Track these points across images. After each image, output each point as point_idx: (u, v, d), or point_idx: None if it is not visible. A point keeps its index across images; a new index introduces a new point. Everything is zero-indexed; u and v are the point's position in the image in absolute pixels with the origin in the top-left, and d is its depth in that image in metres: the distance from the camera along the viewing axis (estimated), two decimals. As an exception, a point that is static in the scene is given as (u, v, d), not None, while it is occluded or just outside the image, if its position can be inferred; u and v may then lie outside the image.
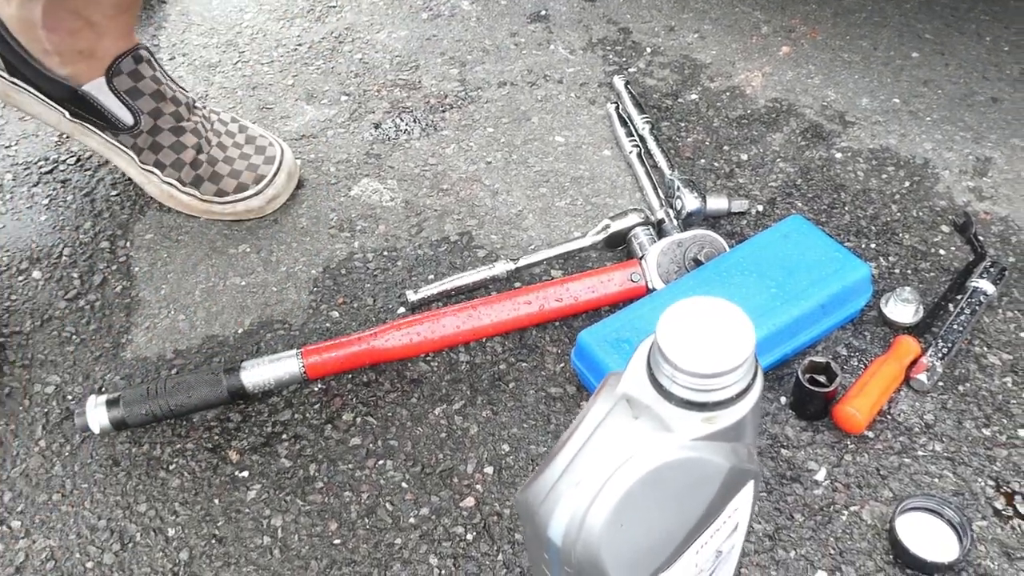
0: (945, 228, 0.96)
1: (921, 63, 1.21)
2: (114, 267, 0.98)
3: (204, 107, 1.03)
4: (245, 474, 0.77)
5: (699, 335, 0.40)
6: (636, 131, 1.08)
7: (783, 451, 0.77)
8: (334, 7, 1.39)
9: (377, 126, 1.15)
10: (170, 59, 1.30)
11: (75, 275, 0.97)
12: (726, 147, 1.09)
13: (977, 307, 0.84)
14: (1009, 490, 0.73)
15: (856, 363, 0.83)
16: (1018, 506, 0.72)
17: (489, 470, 0.76)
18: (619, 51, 1.27)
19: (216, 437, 0.80)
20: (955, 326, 0.82)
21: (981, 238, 0.94)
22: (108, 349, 0.89)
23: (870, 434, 0.77)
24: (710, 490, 0.42)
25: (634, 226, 0.93)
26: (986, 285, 0.86)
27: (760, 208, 1.00)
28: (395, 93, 1.21)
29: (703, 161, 1.06)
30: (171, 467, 0.78)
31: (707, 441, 0.41)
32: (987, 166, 1.04)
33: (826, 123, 1.12)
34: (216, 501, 0.75)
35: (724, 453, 0.42)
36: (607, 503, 0.39)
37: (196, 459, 0.78)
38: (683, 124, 1.12)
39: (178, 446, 0.79)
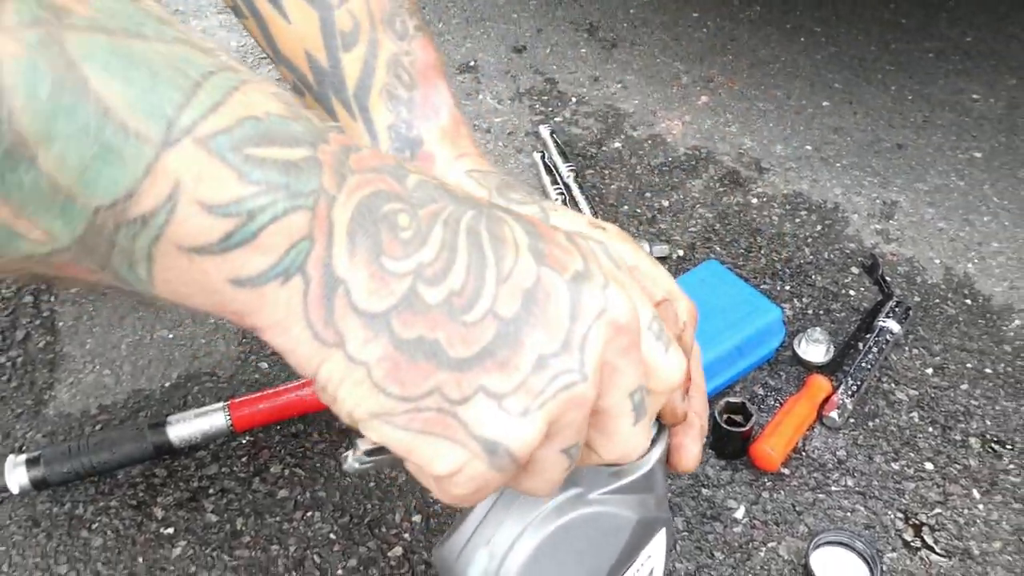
0: (855, 269, 1.01)
1: (831, 111, 1.28)
2: (37, 322, 0.96)
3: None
4: (170, 530, 0.76)
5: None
6: (561, 179, 1.11)
7: (704, 490, 0.79)
8: (265, 59, 1.41)
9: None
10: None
11: (-4, 331, 0.95)
12: (648, 194, 1.12)
13: (884, 345, 0.89)
14: (917, 522, 0.77)
15: (772, 402, 0.86)
16: (926, 537, 0.75)
17: (417, 518, 0.77)
18: (545, 101, 1.31)
19: (141, 494, 0.79)
20: (864, 364, 0.86)
21: (888, 279, 0.98)
22: (30, 406, 0.87)
23: (786, 471, 0.80)
24: (620, 541, 0.44)
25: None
26: (892, 324, 0.90)
27: (681, 253, 1.03)
28: (325, 142, 1.22)
29: (626, 208, 1.10)
30: (94, 526, 0.77)
31: (615, 495, 0.43)
32: (893, 209, 1.10)
33: (743, 169, 1.16)
34: (140, 559, 0.74)
35: (632, 505, 0.43)
36: (518, 559, 0.41)
37: (120, 517, 0.77)
38: (607, 172, 1.16)
39: (101, 504, 0.78)
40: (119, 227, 0.28)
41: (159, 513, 0.78)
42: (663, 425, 0.44)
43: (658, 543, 0.50)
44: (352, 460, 0.34)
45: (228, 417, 0.80)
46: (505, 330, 0.32)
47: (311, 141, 0.30)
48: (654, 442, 0.43)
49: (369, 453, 0.34)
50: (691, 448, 0.45)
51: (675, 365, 0.37)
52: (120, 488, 0.80)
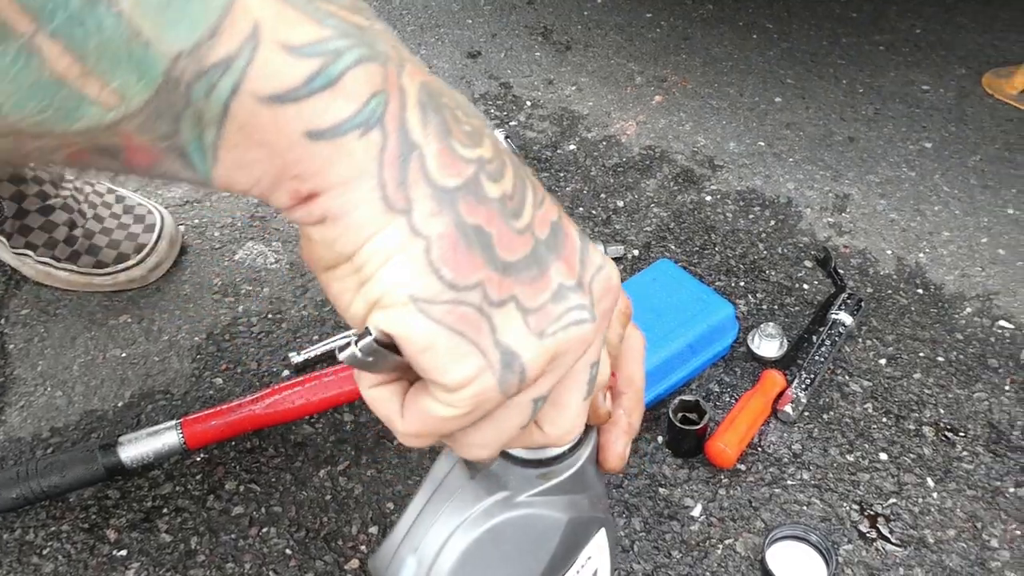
0: (808, 263, 1.02)
1: (784, 107, 1.29)
2: (-14, 346, 0.95)
3: (76, 179, 1.02)
4: (123, 553, 0.75)
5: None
6: (516, 183, 1.11)
7: (661, 490, 0.79)
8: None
9: (262, 188, 1.15)
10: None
11: (-56, 357, 0.94)
12: (603, 195, 1.13)
13: (837, 338, 0.89)
14: (872, 512, 0.77)
15: (728, 398, 0.87)
16: (881, 528, 0.76)
17: (374, 530, 0.76)
18: (500, 105, 1.31)
19: (93, 516, 0.78)
20: (817, 357, 0.87)
21: (841, 271, 0.99)
22: (-21, 432, 0.86)
23: (742, 467, 0.81)
24: (551, 543, 0.44)
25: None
26: (845, 317, 0.91)
27: (636, 252, 1.03)
28: (280, 154, 1.21)
29: (581, 209, 1.10)
30: (45, 551, 0.76)
31: (544, 496, 0.42)
32: (845, 202, 1.11)
33: (697, 168, 1.17)
34: (93, 583, 0.73)
35: (563, 506, 0.43)
36: (445, 565, 0.40)
37: (72, 541, 0.76)
38: (562, 174, 1.16)
39: (52, 528, 0.77)
40: (198, 77, 0.26)
41: (112, 535, 0.77)
42: (590, 425, 0.44)
43: (598, 543, 0.50)
44: (355, 349, 0.31)
45: (181, 435, 0.79)
46: (538, 250, 0.33)
47: (368, 17, 0.30)
48: (581, 442, 0.43)
49: (373, 347, 0.31)
50: (615, 446, 0.45)
51: (612, 272, 0.38)
52: (72, 511, 0.78)
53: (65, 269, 0.99)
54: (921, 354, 0.91)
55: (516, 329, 0.32)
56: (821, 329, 0.91)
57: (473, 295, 0.31)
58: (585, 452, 0.43)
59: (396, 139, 0.29)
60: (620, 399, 0.45)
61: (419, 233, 0.30)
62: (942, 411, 0.85)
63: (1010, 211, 1.09)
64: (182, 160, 0.28)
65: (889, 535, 0.75)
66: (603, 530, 0.50)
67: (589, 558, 0.50)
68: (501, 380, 0.32)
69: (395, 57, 0.30)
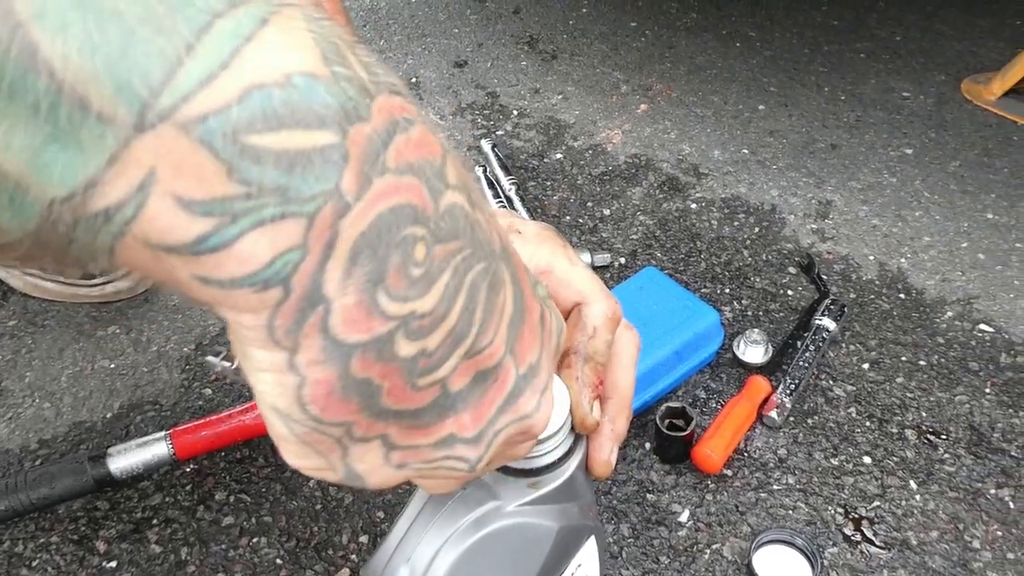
0: (792, 270, 1.03)
1: (767, 115, 1.30)
2: (-26, 358, 0.95)
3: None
4: (113, 564, 0.75)
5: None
6: (503, 192, 1.12)
7: (648, 496, 0.80)
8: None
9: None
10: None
11: (-69, 369, 0.94)
12: (589, 203, 1.14)
13: (821, 343, 0.90)
14: (857, 516, 0.78)
15: (715, 404, 0.88)
16: (865, 531, 0.77)
17: (364, 539, 0.77)
18: (487, 115, 1.31)
19: (83, 528, 0.78)
20: (802, 363, 0.88)
21: (824, 277, 1.00)
22: (-33, 445, 0.86)
23: (729, 472, 0.81)
24: (542, 552, 0.44)
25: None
26: (828, 322, 0.92)
27: (622, 260, 1.04)
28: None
29: (568, 218, 1.11)
30: (34, 563, 0.76)
31: (535, 505, 0.43)
32: (828, 209, 1.12)
33: (682, 176, 1.18)
34: (83, 595, 0.73)
35: (553, 515, 0.44)
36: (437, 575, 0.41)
37: (61, 552, 0.76)
38: (548, 183, 1.17)
39: (41, 540, 0.77)
40: (77, 222, 0.23)
41: (101, 547, 0.77)
42: (579, 435, 0.44)
43: (588, 551, 0.50)
44: (222, 364, 0.31)
45: (170, 446, 0.79)
46: (443, 401, 0.30)
47: (344, 118, 0.24)
48: (571, 451, 0.44)
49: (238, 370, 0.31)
50: (600, 453, 0.45)
51: (539, 418, 0.35)
52: (61, 523, 0.78)
53: (53, 280, 0.99)
54: (903, 358, 0.92)
55: (371, 460, 0.30)
56: (805, 335, 0.92)
57: (335, 430, 0.29)
58: (575, 460, 0.44)
59: (300, 294, 0.25)
60: (606, 405, 0.46)
61: (297, 371, 0.27)
62: (924, 414, 0.86)
63: (989, 216, 1.11)
64: (82, 266, 0.26)
65: (873, 538, 0.76)
66: (593, 537, 0.50)
67: (579, 565, 0.50)
68: (342, 481, 0.31)
69: (351, 187, 0.24)
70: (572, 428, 0.44)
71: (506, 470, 0.43)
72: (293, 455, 0.30)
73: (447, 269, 0.27)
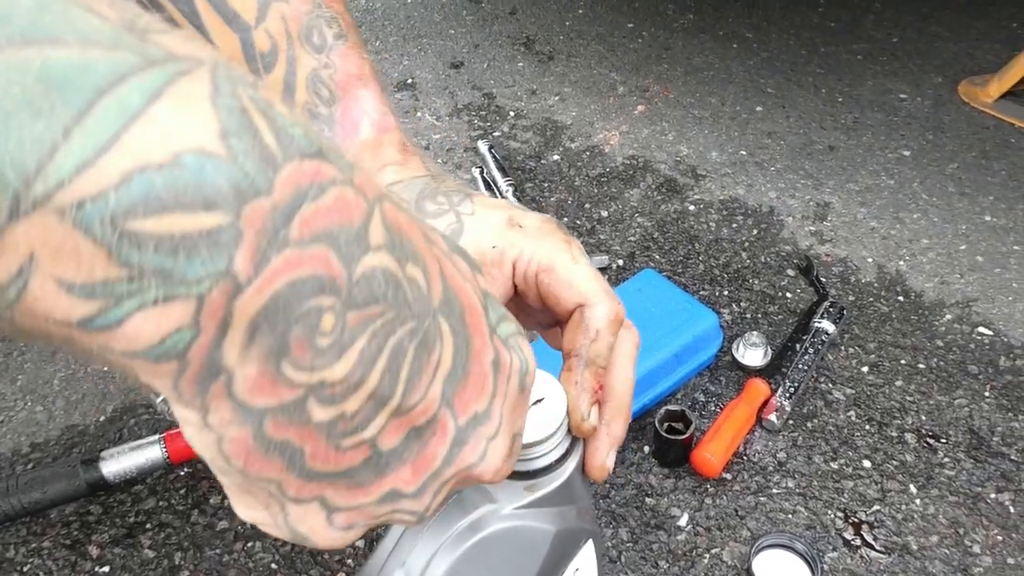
0: (791, 272, 1.03)
1: (765, 116, 1.30)
2: (-35, 361, 0.94)
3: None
4: (105, 569, 0.74)
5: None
6: (500, 194, 1.11)
7: (647, 500, 0.79)
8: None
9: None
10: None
11: (-78, 372, 0.93)
12: (587, 205, 1.13)
13: (820, 346, 0.90)
14: (857, 520, 0.78)
15: (714, 408, 0.87)
16: (865, 535, 0.76)
17: (360, 543, 0.76)
18: (484, 116, 1.31)
19: (75, 532, 0.77)
20: (801, 366, 0.88)
21: (823, 279, 1.00)
22: (-42, 448, 0.85)
23: (728, 476, 0.81)
24: (539, 555, 0.44)
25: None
26: (827, 325, 0.91)
27: (620, 262, 1.04)
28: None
29: (566, 219, 1.10)
30: (25, 568, 0.75)
31: (531, 508, 0.42)
32: (826, 211, 1.12)
33: (680, 177, 1.18)
34: (75, 601, 0.73)
35: (550, 518, 0.43)
36: (433, 580, 0.40)
37: (53, 557, 0.75)
38: (546, 185, 1.17)
39: (33, 545, 0.76)
40: None
41: (94, 552, 0.76)
42: (576, 438, 0.44)
43: (586, 555, 0.50)
44: (161, 404, 0.30)
45: (164, 449, 0.78)
46: (376, 460, 0.29)
47: (236, 197, 0.23)
48: (568, 454, 0.43)
49: None
50: (596, 457, 0.44)
51: (486, 467, 0.33)
52: (53, 528, 0.78)
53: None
54: (903, 361, 0.91)
55: (312, 521, 0.29)
56: (804, 337, 0.91)
57: (267, 485, 0.28)
58: (572, 463, 0.43)
59: (199, 366, 0.24)
60: (603, 408, 0.45)
61: (212, 429, 0.26)
62: (924, 418, 0.86)
63: (987, 218, 1.10)
64: None
65: (873, 542, 0.76)
66: (591, 541, 0.50)
67: (577, 570, 0.50)
68: (293, 540, 0.30)
69: (245, 266, 0.23)
70: (569, 430, 0.44)
71: (504, 474, 0.42)
72: (240, 505, 0.29)
73: (363, 335, 0.26)
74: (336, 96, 0.55)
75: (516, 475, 0.42)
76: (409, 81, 1.39)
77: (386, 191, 0.27)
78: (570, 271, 0.45)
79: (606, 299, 0.45)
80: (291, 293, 0.24)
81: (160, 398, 0.85)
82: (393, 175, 0.53)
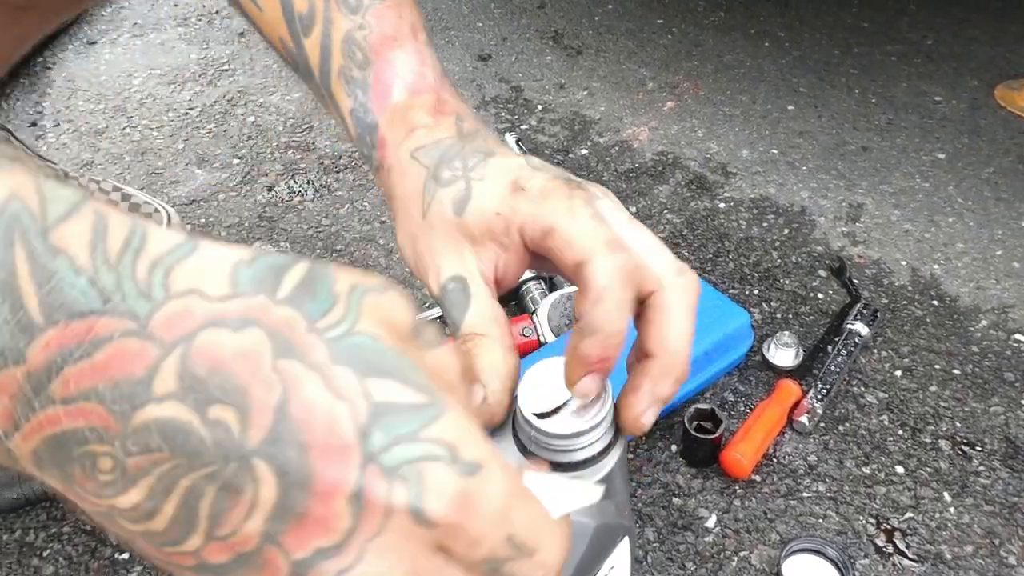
0: (822, 272, 1.01)
1: (796, 115, 1.28)
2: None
3: (80, 176, 1.01)
4: (125, 556, 0.74)
5: (558, 396, 0.41)
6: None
7: (675, 499, 0.78)
8: (227, 71, 1.39)
9: (270, 188, 1.14)
10: (55, 126, 1.26)
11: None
12: (615, 200, 1.11)
13: (853, 348, 0.88)
14: (889, 527, 0.76)
15: (743, 408, 0.85)
16: (897, 543, 0.75)
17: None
18: (511, 109, 1.30)
19: (96, 517, 0.77)
20: (833, 368, 0.86)
21: (856, 281, 0.98)
22: (-20, 429, 0.84)
23: (757, 478, 0.79)
24: (579, 548, 0.42)
25: (526, 280, 0.94)
26: (860, 327, 0.89)
27: (648, 259, 1.02)
28: (288, 155, 1.20)
29: (593, 215, 1.09)
30: (45, 553, 0.74)
31: (571, 502, 0.41)
32: (859, 212, 1.10)
33: (709, 174, 1.16)
34: (95, 586, 0.72)
35: (591, 512, 0.42)
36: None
37: (73, 543, 0.75)
38: (573, 179, 1.15)
39: (53, 530, 0.76)
40: None
41: (113, 537, 0.75)
42: (619, 431, 0.43)
43: (622, 552, 0.48)
44: None
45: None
46: (213, 569, 0.27)
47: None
48: (610, 447, 0.42)
49: None
50: (632, 410, 0.41)
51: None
52: (73, 513, 0.77)
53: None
54: (937, 366, 0.89)
55: None
56: (836, 339, 0.90)
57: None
58: (613, 459, 0.42)
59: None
60: (647, 364, 0.41)
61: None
62: (958, 424, 0.84)
63: (1025, 224, 1.08)
64: None
65: (906, 550, 0.74)
66: (627, 539, 0.48)
67: (612, 567, 0.48)
68: None
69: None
70: (613, 422, 0.42)
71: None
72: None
73: (148, 475, 0.26)
74: (370, 59, 0.53)
75: (558, 466, 0.41)
76: (436, 73, 1.38)
77: (213, 318, 0.26)
78: (569, 229, 0.40)
79: (607, 250, 0.39)
80: (60, 441, 0.25)
81: None
82: (420, 139, 0.50)
